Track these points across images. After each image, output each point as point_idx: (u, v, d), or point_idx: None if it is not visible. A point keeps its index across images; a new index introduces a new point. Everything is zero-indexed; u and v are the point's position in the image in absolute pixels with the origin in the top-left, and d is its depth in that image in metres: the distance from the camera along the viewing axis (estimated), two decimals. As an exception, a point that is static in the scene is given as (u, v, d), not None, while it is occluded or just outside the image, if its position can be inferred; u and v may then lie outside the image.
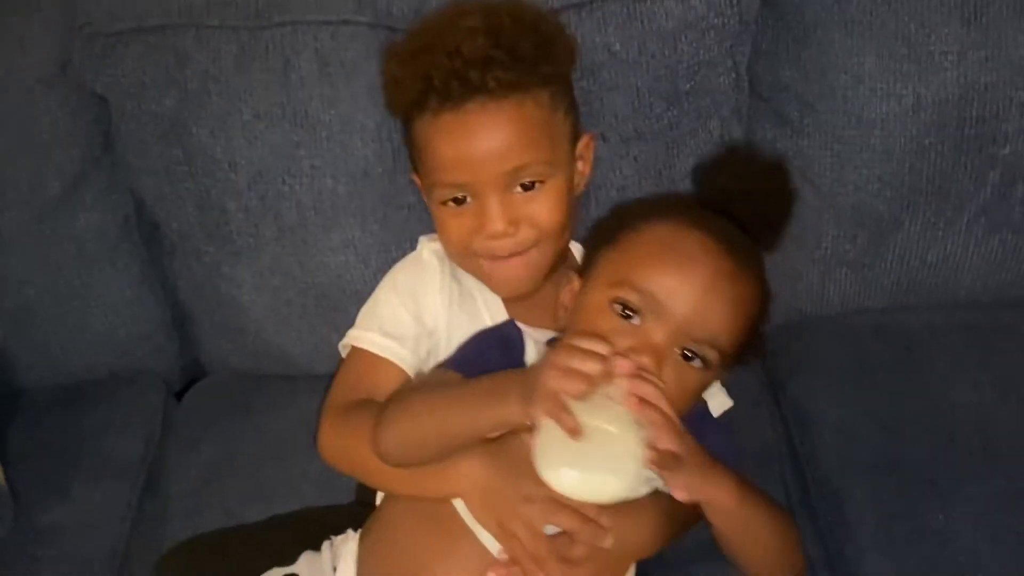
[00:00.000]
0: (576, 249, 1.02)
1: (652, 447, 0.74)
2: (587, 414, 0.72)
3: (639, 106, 1.03)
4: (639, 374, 0.76)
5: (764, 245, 0.90)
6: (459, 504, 0.86)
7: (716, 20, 1.01)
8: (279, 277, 1.08)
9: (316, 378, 1.15)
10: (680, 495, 0.76)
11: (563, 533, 0.83)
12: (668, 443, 0.75)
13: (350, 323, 1.02)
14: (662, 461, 0.74)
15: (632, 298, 0.80)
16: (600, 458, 0.72)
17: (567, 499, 0.77)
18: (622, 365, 0.75)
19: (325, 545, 0.90)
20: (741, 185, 0.88)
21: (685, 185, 1.07)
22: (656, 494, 0.85)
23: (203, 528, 1.03)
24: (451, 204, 0.89)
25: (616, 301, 0.81)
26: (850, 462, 1.04)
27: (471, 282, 0.97)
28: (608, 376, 0.75)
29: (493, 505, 0.84)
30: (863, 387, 1.11)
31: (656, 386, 0.76)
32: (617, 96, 1.02)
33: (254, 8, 1.00)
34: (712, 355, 0.81)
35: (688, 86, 1.03)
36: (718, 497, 0.79)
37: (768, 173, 0.92)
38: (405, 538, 0.85)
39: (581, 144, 0.95)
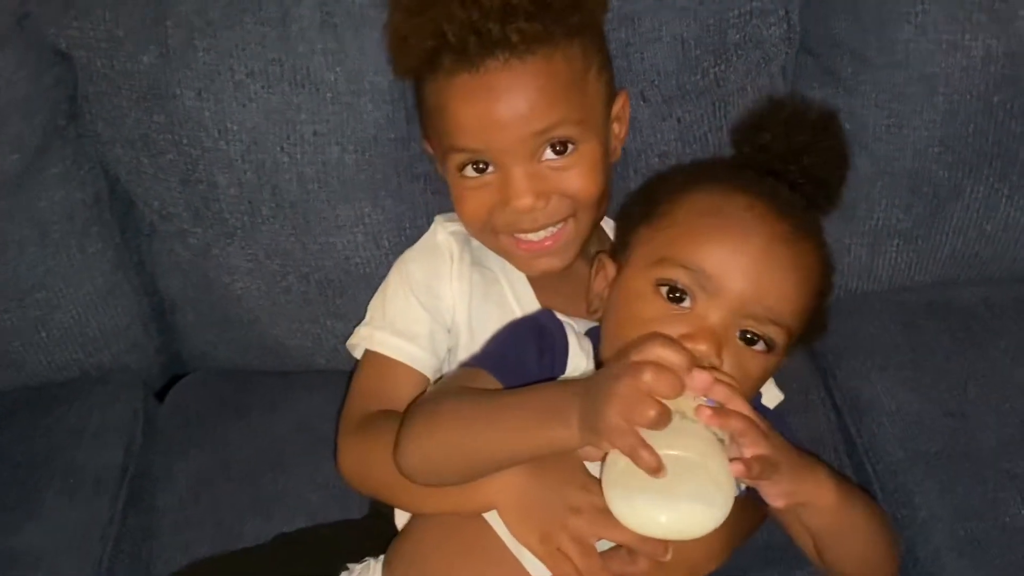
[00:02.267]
0: (609, 227, 0.93)
1: (740, 460, 0.65)
2: (663, 442, 0.63)
3: (684, 60, 0.95)
4: (712, 379, 0.66)
5: (819, 208, 0.82)
6: (497, 524, 0.77)
7: (770, -38, 0.94)
8: (277, 261, 0.99)
9: (315, 373, 1.09)
10: (779, 503, 0.70)
11: (618, 547, 0.75)
12: (758, 449, 0.66)
13: (357, 311, 0.94)
14: (757, 472, 0.66)
15: (679, 276, 0.73)
16: (687, 492, 0.63)
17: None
18: (699, 379, 0.65)
19: (343, 576, 0.80)
20: (789, 143, 0.80)
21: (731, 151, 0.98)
22: None
23: (194, 545, 0.95)
24: (470, 172, 0.81)
25: (661, 283, 0.74)
26: (916, 453, 0.98)
27: (497, 265, 0.89)
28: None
29: (535, 518, 0.75)
30: (922, 370, 1.05)
31: (728, 383, 0.68)
32: (660, 48, 0.94)
33: (246, -50, 0.90)
34: (776, 334, 0.73)
35: (738, 37, 0.96)
36: (818, 498, 0.72)
37: (819, 128, 0.83)
38: (437, 566, 0.77)
39: (618, 105, 0.87)
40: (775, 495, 0.69)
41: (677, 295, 0.73)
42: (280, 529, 0.93)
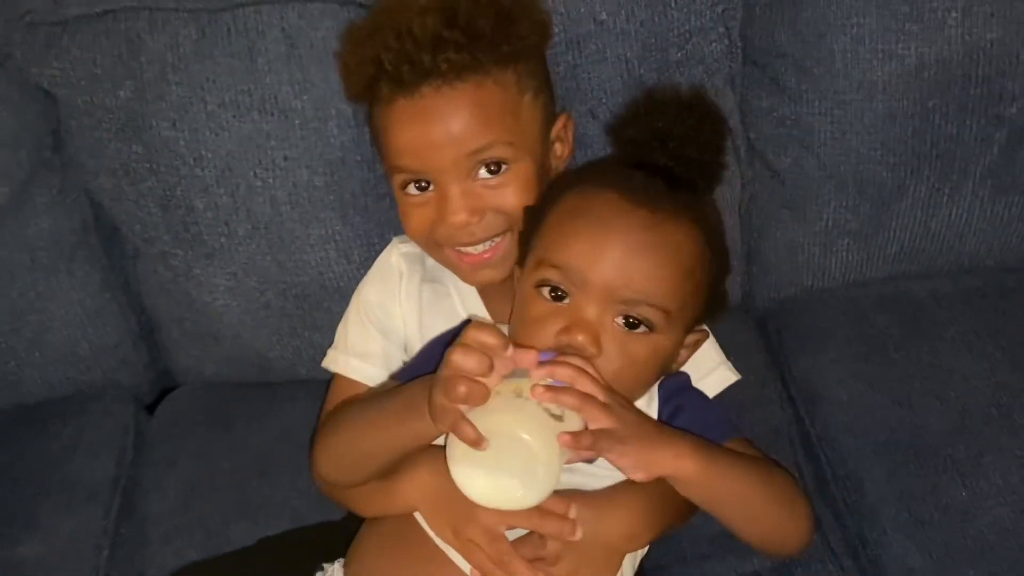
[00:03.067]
0: None
1: (568, 433, 0.68)
2: (490, 419, 0.67)
3: (629, 79, 0.98)
4: (557, 362, 0.70)
5: (699, 187, 0.83)
6: (423, 521, 0.82)
7: (707, -16, 0.97)
8: (255, 278, 1.03)
9: (297, 384, 1.11)
10: (637, 475, 0.71)
11: (530, 534, 0.79)
12: (599, 423, 0.69)
13: (333, 322, 0.97)
14: (587, 443, 0.69)
15: (552, 276, 0.76)
16: (509, 466, 0.67)
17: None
18: (522, 357, 0.69)
19: (317, 576, 0.85)
20: (651, 132, 0.82)
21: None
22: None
23: (185, 551, 0.98)
24: (412, 190, 0.85)
25: (540, 284, 0.77)
26: (865, 441, 1.02)
27: (450, 279, 0.92)
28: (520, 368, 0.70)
29: (446, 513, 0.80)
30: (872, 362, 1.08)
31: (574, 366, 0.71)
32: (605, 69, 0.98)
33: (213, -13, 0.93)
34: (652, 315, 0.75)
35: (679, 55, 0.99)
36: (676, 468, 0.73)
37: (680, 113, 0.84)
38: (383, 565, 0.82)
39: (557, 126, 0.90)
40: (628, 467, 0.71)
41: (558, 293, 0.76)
42: (265, 533, 0.96)
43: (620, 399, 0.73)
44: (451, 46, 0.79)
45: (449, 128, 0.80)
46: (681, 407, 0.84)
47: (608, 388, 0.72)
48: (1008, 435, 1.00)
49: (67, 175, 1.04)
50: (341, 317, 0.97)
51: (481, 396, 0.67)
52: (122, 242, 1.08)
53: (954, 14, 0.98)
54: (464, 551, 0.79)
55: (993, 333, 1.09)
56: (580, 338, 0.73)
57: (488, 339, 0.69)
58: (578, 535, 0.75)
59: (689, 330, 0.80)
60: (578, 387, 0.70)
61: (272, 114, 0.94)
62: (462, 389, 0.67)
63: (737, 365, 0.98)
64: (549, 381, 0.70)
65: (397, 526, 0.83)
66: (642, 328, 0.75)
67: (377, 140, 0.87)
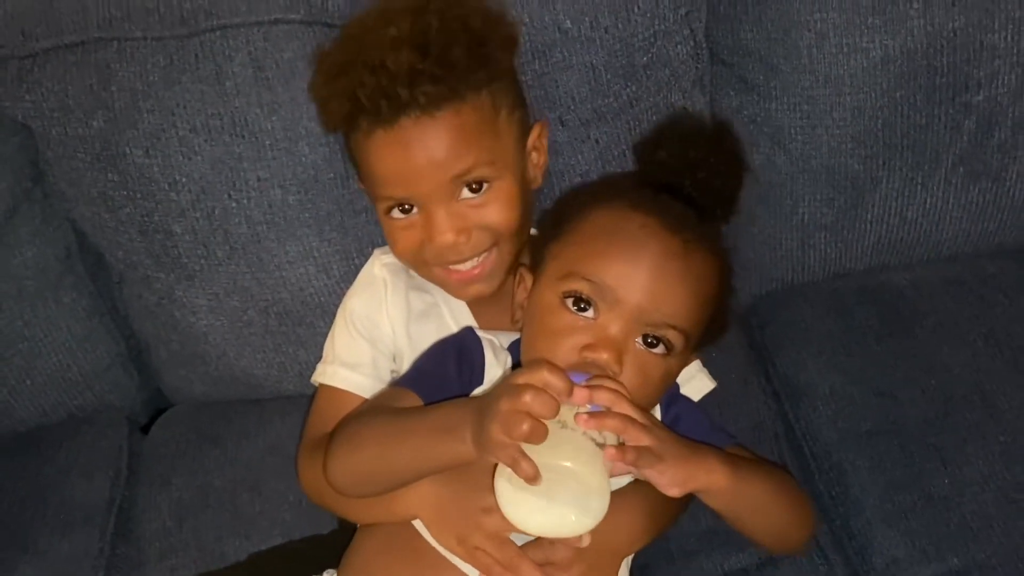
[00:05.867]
0: None
1: (616, 448, 0.70)
2: (542, 452, 0.69)
3: (596, 85, 0.99)
4: (594, 387, 0.72)
5: (717, 217, 0.85)
6: (424, 530, 0.83)
7: (669, -13, 0.98)
8: (236, 297, 1.03)
9: (286, 399, 1.12)
10: (672, 491, 0.74)
11: (538, 539, 0.80)
12: (641, 442, 0.71)
13: (317, 337, 0.99)
14: (632, 459, 0.71)
15: (583, 288, 0.77)
16: (562, 497, 0.69)
17: None
18: (578, 395, 0.70)
19: (306, 588, 0.86)
20: (683, 159, 0.84)
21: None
22: (639, 484, 0.82)
23: (179, 570, 0.99)
24: (397, 214, 0.86)
25: (567, 295, 0.78)
26: (848, 433, 1.02)
27: (435, 288, 0.93)
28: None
29: (450, 522, 0.81)
30: (853, 353, 1.09)
31: (611, 389, 0.73)
32: (572, 76, 0.98)
33: (179, 14, 0.94)
34: (674, 337, 0.78)
35: (645, 59, 1.00)
36: (709, 483, 0.76)
37: (712, 143, 0.87)
38: (380, 573, 0.82)
39: (533, 136, 0.91)
40: (666, 484, 0.73)
41: (582, 305, 0.77)
42: (258, 548, 0.98)
43: (653, 418, 0.74)
44: (427, 79, 0.79)
45: (431, 156, 0.82)
46: (679, 416, 0.87)
47: (641, 409, 0.74)
48: (991, 422, 1.00)
49: (49, 205, 1.05)
50: (324, 332, 0.98)
51: (542, 436, 0.68)
52: (107, 268, 1.09)
53: (916, 5, 0.98)
54: (471, 558, 0.80)
55: (974, 320, 1.10)
56: (605, 356, 0.75)
57: (557, 383, 0.69)
58: (587, 542, 0.76)
59: (695, 350, 0.83)
60: (617, 410, 0.71)
61: (243, 136, 0.95)
62: (525, 427, 0.67)
63: (720, 362, 0.99)
64: (588, 407, 0.71)
65: (394, 534, 0.84)
66: (660, 348, 0.78)
67: (359, 167, 0.88)
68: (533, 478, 0.68)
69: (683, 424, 0.85)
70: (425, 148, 0.81)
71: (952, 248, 1.15)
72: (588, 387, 0.71)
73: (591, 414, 0.70)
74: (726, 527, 0.86)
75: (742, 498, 0.78)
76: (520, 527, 0.71)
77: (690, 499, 0.87)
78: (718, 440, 0.85)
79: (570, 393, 0.69)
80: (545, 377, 0.69)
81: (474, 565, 0.79)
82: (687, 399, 0.90)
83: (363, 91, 0.80)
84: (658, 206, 0.80)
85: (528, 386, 0.68)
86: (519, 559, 0.78)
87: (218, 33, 0.94)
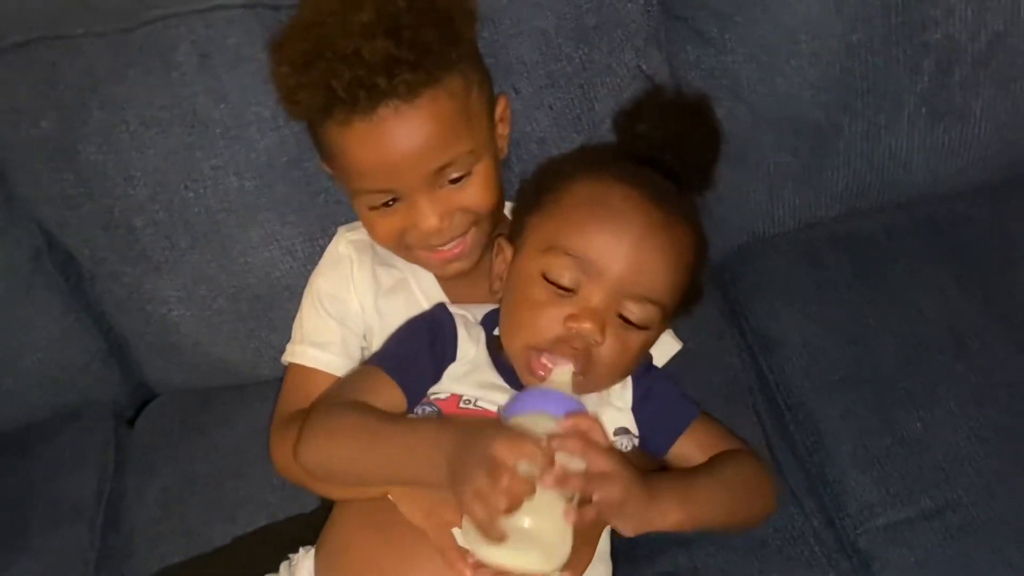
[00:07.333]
0: (508, 208, 0.97)
1: (579, 518, 0.71)
2: (511, 518, 0.70)
3: (547, 50, 0.98)
4: (563, 475, 0.70)
5: (694, 189, 0.87)
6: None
7: (614, -56, 0.96)
8: (204, 287, 1.04)
9: (265, 384, 1.12)
10: (628, 534, 0.75)
11: None
12: (603, 496, 0.72)
13: (288, 320, 0.99)
14: (598, 516, 0.72)
15: (564, 263, 0.78)
16: (525, 551, 0.70)
17: None
18: (546, 481, 0.69)
19: (284, 565, 0.87)
20: (664, 130, 0.85)
21: (608, 125, 1.02)
22: None
23: (168, 557, 1.00)
24: (378, 205, 0.86)
25: (549, 271, 0.78)
26: (821, 382, 1.03)
27: (403, 263, 0.94)
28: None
29: (417, 497, 0.80)
30: (826, 302, 1.09)
31: (582, 440, 0.71)
32: (522, 42, 0.98)
33: (119, 8, 0.94)
34: (652, 311, 0.79)
35: (595, 20, 0.99)
36: (666, 525, 0.77)
37: (692, 117, 0.88)
38: (359, 550, 0.82)
39: (499, 109, 0.91)
40: (626, 530, 0.75)
41: (564, 289, 0.78)
42: (245, 530, 0.99)
43: (619, 457, 0.75)
44: (405, 66, 0.78)
45: (413, 146, 0.81)
46: (651, 389, 0.88)
47: (611, 450, 0.74)
48: (962, 362, 1.00)
49: (12, 207, 1.04)
50: (294, 314, 0.98)
51: (517, 506, 0.68)
52: (78, 265, 1.09)
53: (865, -55, 0.97)
54: (434, 533, 0.80)
55: (945, 261, 1.10)
56: (588, 326, 0.76)
57: (538, 456, 0.69)
58: None
59: (671, 319, 0.84)
60: (587, 459, 0.71)
61: (193, 127, 0.94)
62: (502, 507, 0.67)
63: (694, 318, 0.98)
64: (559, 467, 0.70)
65: (370, 509, 0.84)
66: (639, 321, 0.79)
67: (330, 157, 0.87)
68: (501, 539, 0.69)
69: (653, 400, 0.87)
70: (406, 138, 0.81)
71: (922, 190, 1.14)
72: (560, 436, 0.71)
73: (560, 475, 0.70)
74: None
75: (701, 521, 0.80)
76: (485, 563, 0.73)
77: (661, 464, 0.89)
78: (685, 413, 0.88)
79: (550, 462, 0.69)
80: (526, 453, 0.69)
81: (438, 541, 0.80)
82: (660, 373, 0.91)
83: (339, 82, 0.78)
84: (640, 178, 0.81)
85: (508, 469, 0.68)
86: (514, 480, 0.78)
87: (160, 24, 0.93)
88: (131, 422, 1.19)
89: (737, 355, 1.09)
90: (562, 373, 0.78)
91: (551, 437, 0.71)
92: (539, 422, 0.73)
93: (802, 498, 0.97)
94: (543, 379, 0.79)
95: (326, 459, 0.81)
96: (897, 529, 0.91)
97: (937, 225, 1.13)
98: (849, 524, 0.94)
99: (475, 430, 0.72)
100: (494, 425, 0.74)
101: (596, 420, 0.74)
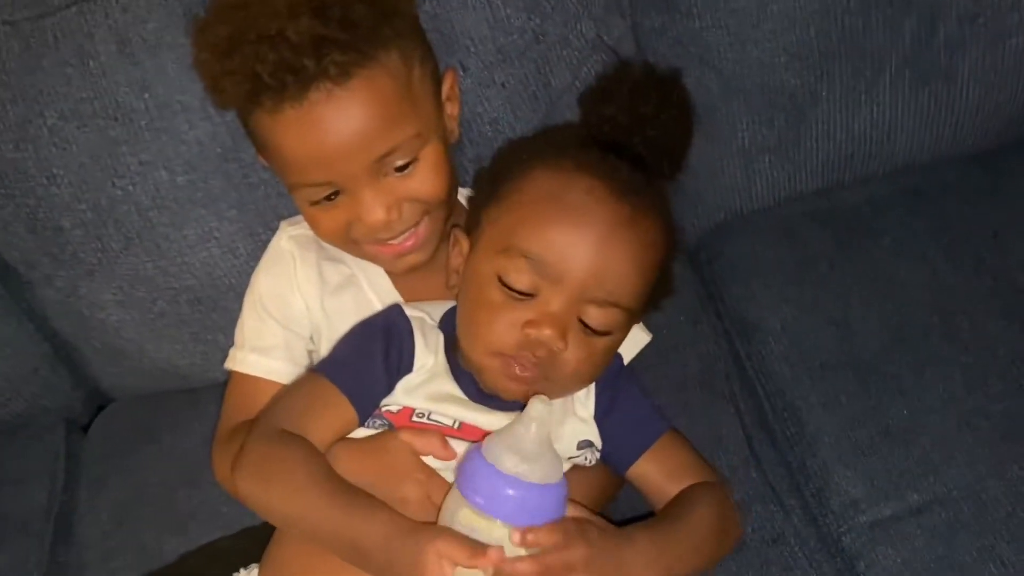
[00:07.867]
0: (463, 195, 0.92)
1: None
2: None
3: (496, 22, 0.92)
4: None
5: (664, 175, 0.80)
6: None
7: (565, -98, 0.90)
8: (142, 288, 0.98)
9: (217, 387, 1.06)
10: None
11: None
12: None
13: (233, 321, 0.93)
14: None
15: (521, 266, 0.73)
16: None
17: None
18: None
19: (228, 584, 0.82)
20: (633, 115, 0.78)
21: (566, 102, 0.95)
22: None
23: (119, 572, 0.96)
24: (320, 201, 0.80)
25: (505, 275, 0.73)
26: (802, 369, 0.98)
27: (350, 258, 0.88)
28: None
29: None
30: (806, 282, 1.04)
31: (538, 567, 0.67)
32: (469, 15, 0.91)
33: (28, -6, 0.87)
34: (617, 316, 0.74)
35: None
36: None
37: (663, 98, 0.80)
38: (301, 568, 0.78)
39: (446, 86, 0.84)
40: None
41: (520, 294, 0.73)
42: (197, 543, 0.95)
43: (584, 523, 0.71)
44: (334, 46, 0.72)
45: (351, 133, 0.75)
46: (615, 399, 0.82)
47: (571, 538, 0.69)
48: (949, 343, 0.95)
49: (-62, 212, 0.99)
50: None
51: None
52: (14, 270, 1.03)
53: (838, -103, 0.90)
54: None
55: (933, 233, 1.04)
56: (548, 332, 0.72)
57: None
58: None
59: (638, 319, 0.79)
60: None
61: (116, 119, 0.88)
62: None
63: (670, 303, 0.93)
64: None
65: None
66: (602, 327, 0.74)
67: (263, 149, 0.80)
68: None
69: (618, 411, 0.82)
70: (343, 124, 0.75)
71: (908, 158, 1.08)
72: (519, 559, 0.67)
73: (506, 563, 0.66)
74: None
75: (673, 572, 0.75)
76: None
77: (622, 483, 0.84)
78: (652, 429, 0.82)
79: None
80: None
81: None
82: (628, 380, 0.85)
83: (263, 67, 0.72)
84: (605, 168, 0.74)
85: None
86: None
87: (74, 9, 0.86)
88: (88, 428, 1.15)
89: (714, 341, 1.04)
90: (535, 409, 0.70)
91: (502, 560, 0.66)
92: (492, 529, 0.67)
93: (783, 495, 0.92)
94: (519, 379, 0.74)
95: (260, 504, 0.76)
96: (883, 527, 0.86)
97: (923, 196, 1.07)
98: (832, 522, 0.88)
99: (420, 534, 0.68)
100: (438, 530, 0.69)
101: (561, 523, 0.69)
